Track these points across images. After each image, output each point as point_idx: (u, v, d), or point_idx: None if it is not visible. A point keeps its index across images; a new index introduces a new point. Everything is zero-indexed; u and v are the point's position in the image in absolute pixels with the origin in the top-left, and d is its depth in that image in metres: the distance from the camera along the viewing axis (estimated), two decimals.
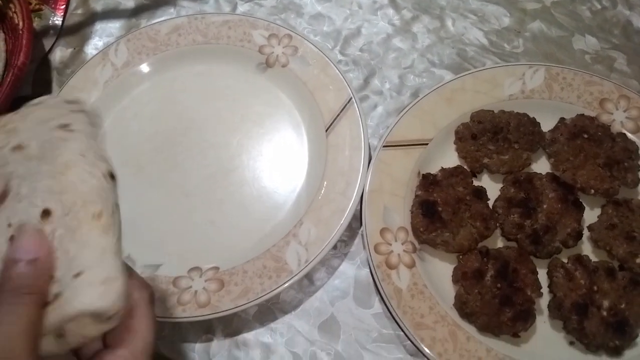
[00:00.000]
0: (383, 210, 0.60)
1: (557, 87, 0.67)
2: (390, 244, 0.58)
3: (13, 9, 0.70)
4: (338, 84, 0.67)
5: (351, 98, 0.65)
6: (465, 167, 0.63)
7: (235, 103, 0.69)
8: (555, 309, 0.55)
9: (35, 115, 0.40)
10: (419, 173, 0.62)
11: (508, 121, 0.63)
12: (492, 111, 0.64)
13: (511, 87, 0.67)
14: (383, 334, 0.57)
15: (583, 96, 0.66)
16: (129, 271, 0.38)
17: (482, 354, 0.53)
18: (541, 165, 0.64)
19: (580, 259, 0.56)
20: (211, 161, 0.66)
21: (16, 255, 0.34)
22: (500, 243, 0.60)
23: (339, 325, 0.58)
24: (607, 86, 0.66)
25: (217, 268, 0.58)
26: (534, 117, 0.64)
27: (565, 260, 0.57)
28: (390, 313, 0.55)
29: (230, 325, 0.58)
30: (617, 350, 0.53)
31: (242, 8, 0.79)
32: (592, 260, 0.57)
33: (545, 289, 0.56)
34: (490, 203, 0.60)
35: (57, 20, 0.78)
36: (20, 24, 0.69)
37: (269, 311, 0.58)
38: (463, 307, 0.55)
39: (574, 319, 0.53)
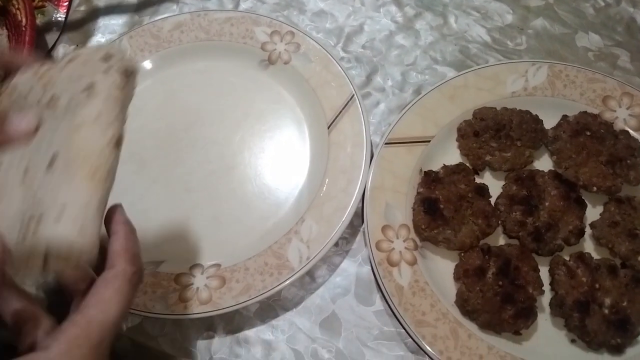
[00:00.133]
0: (385, 208, 0.60)
1: (559, 84, 0.66)
2: (392, 241, 0.58)
3: (16, 6, 0.70)
4: (340, 80, 0.66)
5: (353, 95, 0.65)
6: (468, 164, 0.63)
7: (237, 100, 0.69)
8: (557, 306, 0.55)
9: (70, 69, 0.43)
10: (420, 170, 0.62)
11: (510, 118, 0.63)
12: (495, 108, 0.64)
13: (514, 85, 0.67)
14: (384, 331, 0.57)
15: (586, 93, 0.66)
16: (127, 246, 0.42)
17: (484, 351, 0.53)
18: (543, 163, 0.64)
19: (582, 257, 0.56)
20: (213, 158, 0.66)
21: None
22: (502, 240, 0.60)
23: (340, 322, 0.58)
24: (610, 83, 0.66)
25: (218, 265, 0.58)
26: (536, 115, 0.64)
27: (567, 258, 0.57)
28: (392, 310, 0.55)
29: (232, 322, 0.58)
30: (619, 348, 0.53)
31: (244, 5, 0.78)
32: (594, 258, 0.57)
33: (547, 287, 0.56)
34: (493, 200, 0.60)
35: (60, 16, 0.78)
36: (24, 20, 0.69)
37: (270, 308, 0.58)
38: (464, 305, 0.55)
39: (576, 316, 0.53)
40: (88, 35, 0.77)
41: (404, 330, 0.55)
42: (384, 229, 0.59)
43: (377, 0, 0.78)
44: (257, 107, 0.69)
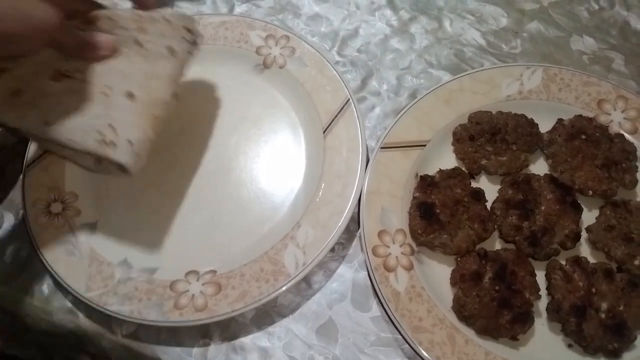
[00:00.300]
0: (381, 212, 0.60)
1: (555, 87, 0.66)
2: (388, 247, 0.58)
3: None
4: (335, 85, 0.66)
5: (349, 99, 0.65)
6: (463, 168, 0.63)
7: (232, 104, 0.69)
8: (554, 311, 0.54)
9: (161, 26, 0.56)
10: (416, 175, 0.62)
11: (506, 122, 0.63)
12: (490, 112, 0.64)
13: (509, 88, 0.67)
14: (381, 337, 0.57)
15: (581, 97, 0.66)
16: None
17: (481, 357, 0.53)
18: (539, 167, 0.64)
19: (578, 261, 0.56)
20: (208, 162, 0.66)
21: None
22: (498, 245, 0.60)
23: (336, 328, 0.57)
24: (605, 87, 0.66)
25: (214, 271, 0.58)
26: (531, 118, 0.64)
27: (563, 262, 0.57)
28: (389, 316, 0.55)
29: (228, 330, 0.57)
30: (616, 353, 0.53)
31: (239, 9, 0.78)
32: (591, 262, 0.57)
33: (543, 291, 0.56)
34: (488, 205, 0.60)
35: None
36: None
37: (266, 315, 0.58)
38: (461, 310, 0.55)
39: (572, 321, 0.53)
40: None
41: (400, 336, 0.55)
42: (380, 234, 0.59)
43: (372, 4, 0.78)
44: (252, 111, 0.69)
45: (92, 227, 0.61)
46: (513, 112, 0.64)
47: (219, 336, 0.57)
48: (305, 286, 0.59)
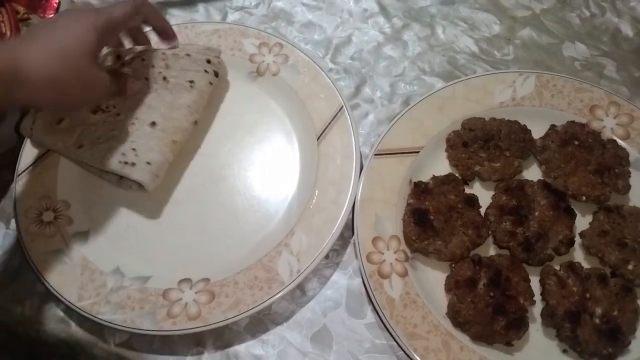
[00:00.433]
0: (375, 219, 0.59)
1: (547, 94, 0.67)
2: (383, 253, 0.58)
3: (0, 19, 0.70)
4: (329, 92, 0.66)
5: (342, 106, 0.65)
6: (457, 174, 0.63)
7: (226, 112, 0.69)
8: (548, 316, 0.54)
9: (184, 62, 0.65)
10: (410, 181, 0.62)
11: (499, 129, 0.63)
12: (483, 119, 0.64)
13: (502, 95, 0.67)
14: (376, 344, 0.56)
15: (573, 103, 0.66)
16: None
17: None
18: (532, 173, 0.64)
19: (572, 266, 0.56)
20: (201, 170, 0.65)
21: None
22: (492, 251, 0.60)
23: (331, 336, 0.57)
24: (597, 93, 0.67)
25: (207, 279, 0.57)
26: (524, 125, 0.64)
27: (557, 268, 0.57)
28: (383, 323, 0.55)
29: (222, 338, 0.57)
30: (610, 358, 0.53)
31: (232, 17, 0.78)
32: (584, 268, 0.57)
33: (537, 297, 0.56)
34: (482, 211, 0.60)
35: None
36: (8, 33, 0.69)
37: (260, 322, 0.58)
38: (456, 316, 0.54)
39: (567, 326, 0.53)
40: None
41: (395, 343, 0.54)
42: (375, 240, 0.58)
43: (365, 12, 0.78)
44: (245, 119, 0.68)
45: (84, 235, 0.61)
46: (506, 119, 0.64)
47: (212, 344, 0.57)
48: (299, 293, 0.59)
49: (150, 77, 0.64)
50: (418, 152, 0.64)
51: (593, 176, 0.61)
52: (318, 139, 0.64)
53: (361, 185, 0.61)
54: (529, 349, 0.55)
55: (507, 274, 0.55)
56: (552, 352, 0.55)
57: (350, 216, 0.60)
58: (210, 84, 0.65)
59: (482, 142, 0.63)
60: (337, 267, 0.61)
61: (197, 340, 0.57)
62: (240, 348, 0.57)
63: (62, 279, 0.57)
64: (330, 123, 0.65)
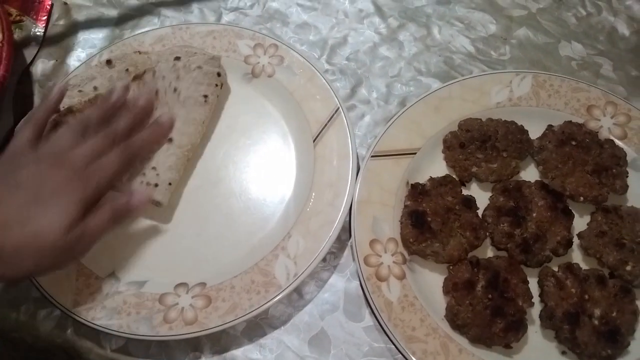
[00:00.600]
0: (372, 221, 0.59)
1: (544, 94, 0.67)
2: (380, 256, 0.58)
3: None
4: (325, 93, 0.66)
5: (338, 108, 0.65)
6: (454, 176, 0.62)
7: (221, 113, 0.68)
8: (547, 318, 0.54)
9: (195, 75, 0.65)
10: (407, 183, 0.62)
11: (496, 129, 0.63)
12: (480, 119, 0.64)
13: (498, 95, 0.67)
14: (374, 347, 0.56)
15: (570, 103, 0.66)
16: None
17: None
18: (530, 173, 0.64)
19: (570, 268, 0.56)
20: (197, 173, 0.65)
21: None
22: (490, 252, 0.59)
23: (329, 339, 0.57)
24: (594, 93, 0.66)
25: (204, 284, 0.57)
26: (521, 125, 0.64)
27: (555, 269, 0.56)
28: (381, 326, 0.54)
29: (219, 343, 0.56)
30: (610, 359, 0.53)
31: (227, 17, 0.78)
32: (583, 269, 0.56)
33: (536, 299, 0.56)
34: (480, 212, 0.60)
35: (39, 31, 0.76)
36: (0, 36, 0.68)
37: (257, 327, 0.57)
38: (454, 319, 0.54)
39: (566, 328, 0.53)
40: (68, 50, 0.76)
41: (394, 347, 0.54)
42: (372, 243, 0.58)
43: (361, 12, 0.78)
44: (241, 121, 0.68)
45: None
46: (503, 119, 0.64)
47: (209, 349, 0.56)
48: (296, 297, 0.59)
49: (161, 89, 0.64)
50: (415, 153, 0.63)
51: (591, 176, 0.60)
52: (314, 140, 0.64)
53: (358, 187, 0.60)
54: (527, 351, 0.54)
55: (505, 276, 0.55)
56: (551, 354, 0.54)
57: (347, 218, 0.59)
58: (218, 96, 0.66)
59: (479, 143, 0.63)
60: (335, 270, 0.60)
61: (194, 345, 0.56)
62: (237, 352, 0.56)
63: (57, 284, 0.56)
64: (326, 124, 0.64)
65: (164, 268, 0.59)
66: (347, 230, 0.60)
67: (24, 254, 0.47)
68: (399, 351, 0.53)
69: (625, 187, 0.60)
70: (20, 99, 0.71)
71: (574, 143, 0.62)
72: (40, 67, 0.74)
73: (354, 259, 0.59)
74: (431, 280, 0.58)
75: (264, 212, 0.62)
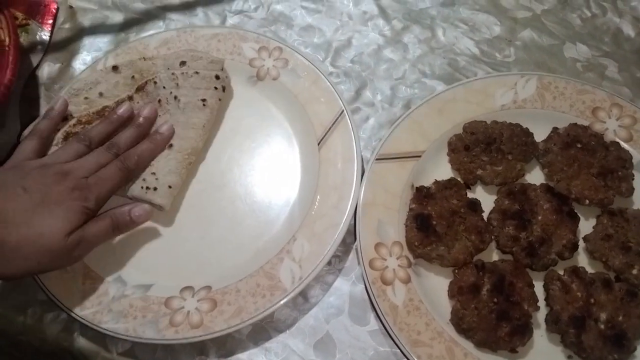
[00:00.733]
0: (377, 225, 0.59)
1: (549, 96, 0.66)
2: (385, 259, 0.58)
3: None
4: (329, 96, 0.66)
5: (343, 110, 0.65)
6: (459, 179, 0.62)
7: (226, 116, 0.68)
8: (553, 322, 0.54)
9: (193, 80, 0.65)
10: (412, 186, 0.62)
11: (501, 132, 0.63)
12: (485, 122, 0.64)
13: (503, 97, 0.66)
14: (379, 351, 0.56)
15: (575, 105, 0.66)
16: None
17: None
18: (535, 176, 0.63)
19: (576, 271, 0.56)
20: (202, 176, 0.65)
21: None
22: (495, 256, 0.59)
23: (334, 343, 0.57)
24: (600, 95, 0.66)
25: (209, 287, 0.57)
26: (526, 127, 0.64)
27: (561, 273, 0.56)
28: (387, 330, 0.54)
29: (224, 346, 0.57)
30: None
31: (231, 20, 0.78)
32: (589, 272, 0.56)
33: (542, 302, 0.56)
34: (485, 215, 0.60)
35: (45, 35, 0.77)
36: (7, 40, 0.68)
37: (263, 330, 0.57)
38: (460, 323, 0.54)
39: (572, 332, 0.53)
40: (73, 54, 0.76)
41: (399, 351, 0.54)
42: (377, 246, 0.58)
43: (365, 14, 0.78)
44: (245, 124, 0.68)
45: None
46: (508, 122, 0.64)
47: (215, 353, 0.57)
48: (302, 300, 0.59)
49: (163, 98, 0.65)
50: (420, 156, 0.63)
51: (596, 179, 0.60)
52: (319, 143, 0.64)
53: (363, 190, 0.60)
54: (533, 355, 0.54)
55: (510, 280, 0.55)
56: (557, 358, 0.55)
57: (352, 222, 0.59)
58: (219, 100, 0.66)
59: (484, 146, 0.62)
60: (340, 274, 0.60)
61: (199, 349, 0.57)
62: (243, 356, 0.56)
63: (63, 287, 0.57)
64: (331, 127, 0.64)
65: (170, 271, 0.59)
66: (352, 233, 0.60)
67: (25, 251, 0.50)
68: (405, 355, 0.53)
69: (631, 190, 0.60)
70: (27, 102, 0.71)
71: (579, 145, 0.62)
72: (46, 70, 0.74)
73: (359, 263, 0.59)
74: (436, 284, 0.58)
75: (268, 215, 0.62)
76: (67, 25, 0.78)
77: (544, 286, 0.57)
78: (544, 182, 0.62)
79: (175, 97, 0.64)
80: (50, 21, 0.77)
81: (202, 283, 0.57)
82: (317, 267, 0.56)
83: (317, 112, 0.66)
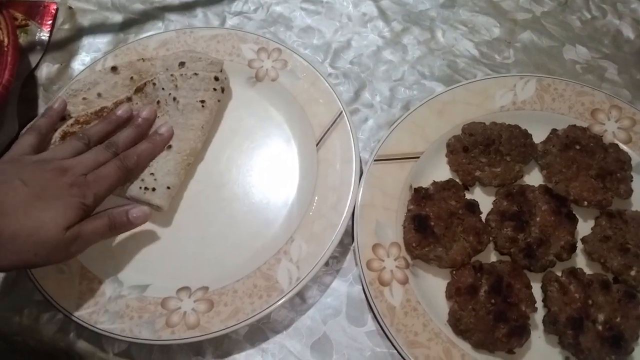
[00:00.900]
0: (375, 225, 0.59)
1: (548, 98, 0.66)
2: (383, 260, 0.57)
3: None
4: (328, 97, 0.66)
5: (342, 112, 0.65)
6: (457, 180, 0.62)
7: (224, 117, 0.68)
8: (550, 323, 0.54)
9: (192, 81, 0.65)
10: (410, 187, 0.61)
11: (500, 133, 0.63)
12: (484, 123, 0.64)
13: (502, 99, 0.66)
14: (377, 352, 0.56)
15: (574, 107, 0.66)
16: None
17: None
18: (534, 177, 0.63)
19: (574, 273, 0.56)
20: (200, 176, 0.65)
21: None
22: (493, 257, 0.59)
23: (331, 344, 0.57)
24: (599, 96, 0.66)
25: (206, 288, 0.57)
26: (525, 129, 0.64)
27: (559, 274, 0.56)
28: (384, 331, 0.54)
29: (221, 347, 0.56)
30: None
31: (231, 22, 0.78)
32: (587, 274, 0.56)
33: (539, 304, 0.55)
34: (483, 216, 0.59)
35: (44, 35, 0.77)
36: (5, 40, 0.68)
37: (260, 331, 0.57)
38: (457, 324, 0.54)
39: (569, 333, 0.53)
40: (72, 54, 0.76)
41: (396, 352, 0.54)
42: (375, 247, 0.58)
43: (364, 16, 0.78)
44: (244, 125, 0.68)
45: None
46: (507, 123, 0.64)
47: (211, 353, 0.56)
48: (299, 301, 0.59)
49: (162, 99, 0.65)
50: (418, 157, 0.63)
51: (595, 181, 0.60)
52: (317, 144, 0.64)
53: (361, 191, 0.60)
54: (531, 357, 0.54)
55: (508, 281, 0.55)
56: (555, 359, 0.54)
57: (350, 223, 0.59)
58: (219, 101, 0.66)
59: (483, 147, 0.62)
60: (337, 275, 0.60)
61: (196, 350, 0.56)
62: (239, 357, 0.56)
63: (60, 288, 0.57)
64: (329, 128, 0.64)
65: (167, 272, 0.59)
66: (349, 234, 0.60)
67: (22, 242, 0.49)
68: (402, 356, 0.53)
69: (629, 192, 0.60)
70: (25, 102, 0.71)
71: (578, 147, 0.62)
72: (45, 71, 0.74)
73: (356, 264, 0.59)
74: (434, 285, 0.57)
75: (266, 216, 0.62)
76: (66, 26, 0.78)
77: (541, 287, 0.56)
78: (543, 183, 0.62)
79: (174, 99, 0.64)
80: (50, 22, 0.78)
81: (199, 284, 0.57)
82: (314, 268, 0.56)
83: (315, 113, 0.66)
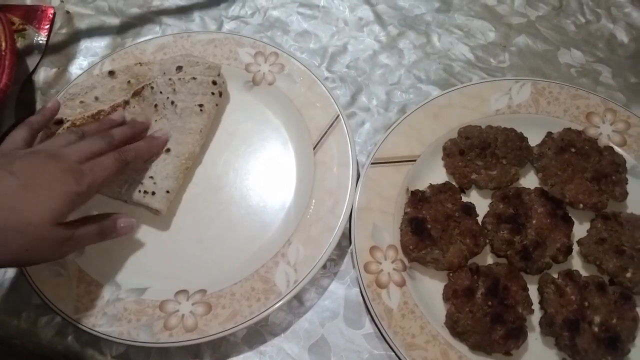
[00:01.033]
0: (372, 228, 0.59)
1: (543, 101, 0.67)
2: (380, 263, 0.58)
3: None
4: (325, 101, 0.66)
5: (338, 115, 0.65)
6: (454, 183, 0.63)
7: (222, 121, 0.69)
8: (547, 325, 0.54)
9: (190, 86, 0.65)
10: (407, 190, 0.62)
11: (495, 136, 0.63)
12: (480, 127, 0.64)
13: (498, 102, 0.67)
14: (374, 355, 0.56)
15: (569, 110, 0.66)
16: None
17: None
18: (529, 180, 0.64)
19: (570, 274, 0.56)
20: (198, 180, 0.65)
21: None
22: (490, 260, 0.60)
23: (329, 347, 0.57)
24: (593, 100, 0.67)
25: (204, 291, 0.57)
26: (521, 132, 0.64)
27: (555, 276, 0.56)
28: (381, 333, 0.54)
29: (219, 349, 0.57)
30: None
31: (228, 26, 0.78)
32: (583, 275, 0.57)
33: (536, 306, 0.56)
34: (480, 219, 0.60)
35: (42, 40, 0.77)
36: (3, 44, 0.69)
37: (257, 334, 0.57)
38: (454, 326, 0.54)
39: (566, 335, 0.53)
40: (70, 58, 0.76)
41: (394, 354, 0.54)
42: (372, 250, 0.58)
43: (360, 20, 0.78)
44: (242, 128, 0.68)
45: None
46: (502, 126, 0.64)
47: (209, 356, 0.56)
48: (296, 304, 0.59)
49: (159, 103, 0.65)
50: (415, 160, 0.63)
51: (590, 183, 0.61)
52: (314, 148, 0.64)
53: (358, 195, 0.61)
54: (528, 358, 0.54)
55: (505, 283, 0.55)
56: None
57: (348, 225, 0.60)
58: (216, 105, 0.67)
59: (479, 150, 0.63)
60: (335, 277, 0.60)
61: (194, 352, 0.56)
62: None
63: (58, 291, 0.57)
64: (326, 132, 0.65)
65: (165, 275, 0.59)
66: (347, 237, 0.61)
67: (9, 237, 0.47)
68: (399, 358, 0.53)
69: (624, 194, 0.60)
70: (23, 106, 0.71)
71: (573, 150, 0.62)
72: (43, 75, 0.75)
73: (354, 266, 0.59)
74: (431, 288, 0.58)
75: (264, 219, 0.62)
76: (63, 30, 0.79)
77: (538, 289, 0.57)
78: (538, 186, 0.62)
79: (172, 102, 0.65)
80: (47, 26, 0.78)
81: (197, 286, 0.57)
82: (312, 271, 0.56)
83: (312, 116, 0.66)
